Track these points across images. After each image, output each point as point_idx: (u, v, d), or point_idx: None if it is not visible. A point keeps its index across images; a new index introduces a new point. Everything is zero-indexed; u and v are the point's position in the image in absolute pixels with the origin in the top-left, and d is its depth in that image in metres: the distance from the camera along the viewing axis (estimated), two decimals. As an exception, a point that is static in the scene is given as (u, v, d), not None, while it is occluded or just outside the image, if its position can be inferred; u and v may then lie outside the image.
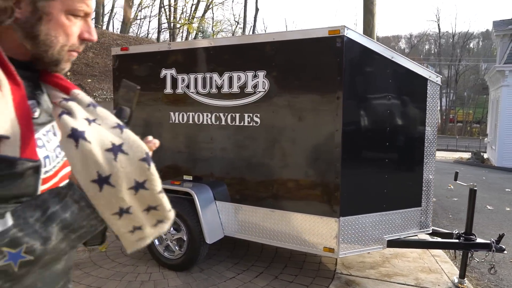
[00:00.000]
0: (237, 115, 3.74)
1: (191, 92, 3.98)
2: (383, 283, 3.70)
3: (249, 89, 3.65)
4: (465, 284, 3.67)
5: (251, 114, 3.66)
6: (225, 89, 3.77)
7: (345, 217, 3.34)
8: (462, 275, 3.70)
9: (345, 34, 3.19)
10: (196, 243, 3.72)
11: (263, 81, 3.57)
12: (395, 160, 3.67)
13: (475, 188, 3.62)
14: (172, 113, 4.12)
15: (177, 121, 4.09)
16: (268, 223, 3.64)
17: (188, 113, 4.02)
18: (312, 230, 3.44)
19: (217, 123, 3.85)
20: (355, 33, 3.27)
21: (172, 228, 3.92)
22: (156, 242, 4.03)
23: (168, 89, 4.12)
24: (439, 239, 3.76)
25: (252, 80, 3.62)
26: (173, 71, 4.07)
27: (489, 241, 3.52)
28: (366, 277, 3.85)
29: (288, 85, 3.50)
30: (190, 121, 4.01)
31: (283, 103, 3.51)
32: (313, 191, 3.44)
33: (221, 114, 3.82)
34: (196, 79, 3.93)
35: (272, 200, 3.61)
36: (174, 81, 4.07)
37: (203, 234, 3.70)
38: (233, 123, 3.76)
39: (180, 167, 4.11)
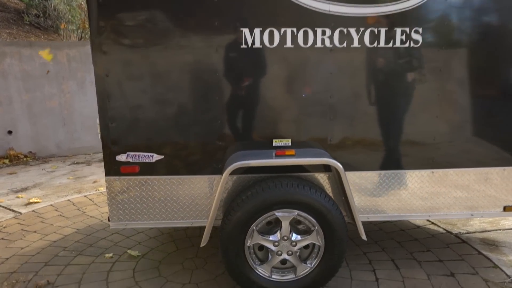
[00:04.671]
0: (383, 30, 2.30)
1: (289, -9, 2.23)
2: (507, 232, 3.21)
3: (404, -14, 2.25)
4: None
5: (406, 29, 2.31)
6: (360, -13, 2.24)
7: (529, 163, 2.59)
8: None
9: None
10: (343, 245, 2.26)
11: (430, -26, 2.25)
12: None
13: None
14: (246, 31, 2.26)
15: (258, 45, 2.28)
16: (423, 189, 2.51)
17: (282, 30, 2.27)
18: (488, 188, 2.54)
19: (343, 44, 2.30)
20: None
21: (293, 234, 2.28)
22: (254, 262, 2.31)
23: (237, -15, 2.22)
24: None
25: (412, -28, 2.24)
26: (247, -50, 2.18)
27: None
28: (483, 230, 3.28)
29: (471, -19, 2.30)
30: (288, 44, 2.28)
31: (463, 12, 2.32)
32: (499, 137, 2.49)
33: (352, 30, 2.29)
34: (300, -33, 2.20)
35: (433, 158, 2.47)
36: (250, -30, 2.20)
37: (358, 227, 2.27)
38: (375, 44, 2.31)
39: (265, 126, 2.38)
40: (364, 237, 2.28)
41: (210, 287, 2.52)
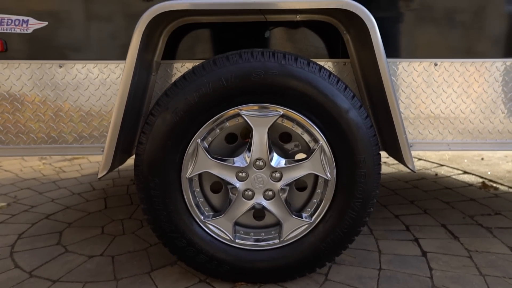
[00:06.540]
0: None
1: None
2: None
3: None
4: None
5: None
6: None
7: None
8: None
9: None
10: (371, 181, 1.17)
11: None
12: None
13: None
14: None
15: None
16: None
17: None
18: None
19: None
20: None
21: (273, 156, 1.20)
22: (201, 212, 1.23)
23: None
24: None
25: None
26: None
27: None
28: None
29: None
30: None
31: None
32: None
33: None
34: None
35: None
36: None
37: (402, 151, 1.18)
38: None
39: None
40: (412, 166, 1.19)
41: (133, 262, 1.45)
